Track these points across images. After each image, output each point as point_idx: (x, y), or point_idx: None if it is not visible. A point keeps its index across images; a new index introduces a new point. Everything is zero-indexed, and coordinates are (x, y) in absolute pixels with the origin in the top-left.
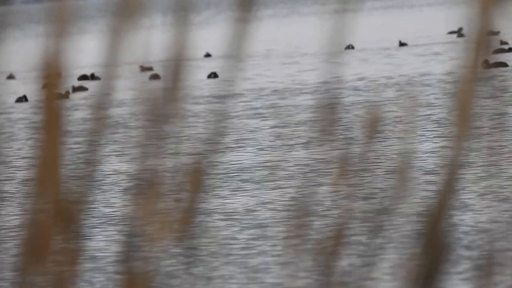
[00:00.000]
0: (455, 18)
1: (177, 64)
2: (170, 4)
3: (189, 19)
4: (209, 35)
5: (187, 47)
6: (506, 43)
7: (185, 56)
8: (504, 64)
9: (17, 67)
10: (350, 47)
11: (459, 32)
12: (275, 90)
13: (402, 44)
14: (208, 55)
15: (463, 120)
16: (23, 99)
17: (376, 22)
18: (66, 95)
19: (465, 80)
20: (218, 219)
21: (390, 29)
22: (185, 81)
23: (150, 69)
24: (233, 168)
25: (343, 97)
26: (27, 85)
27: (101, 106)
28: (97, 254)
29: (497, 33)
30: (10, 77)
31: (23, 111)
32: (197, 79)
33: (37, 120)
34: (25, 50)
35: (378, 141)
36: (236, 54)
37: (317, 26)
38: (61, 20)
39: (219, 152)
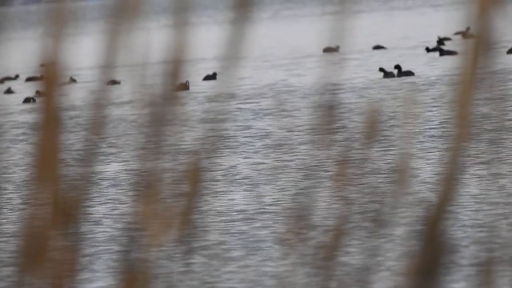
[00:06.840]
0: (459, 19)
1: (176, 65)
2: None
3: (187, 20)
4: (207, 37)
5: (186, 48)
6: None
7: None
8: None
9: (17, 69)
10: (336, 49)
11: (465, 33)
12: (273, 92)
13: (376, 48)
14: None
15: (462, 122)
16: (29, 100)
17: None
18: (185, 86)
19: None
20: (217, 220)
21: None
22: (183, 83)
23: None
24: (231, 169)
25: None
26: (28, 86)
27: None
28: (96, 254)
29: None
30: (10, 78)
31: (26, 112)
32: (195, 80)
33: (36, 120)
34: (24, 51)
35: (378, 143)
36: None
37: (312, 28)
38: (60, 21)
39: (217, 153)
